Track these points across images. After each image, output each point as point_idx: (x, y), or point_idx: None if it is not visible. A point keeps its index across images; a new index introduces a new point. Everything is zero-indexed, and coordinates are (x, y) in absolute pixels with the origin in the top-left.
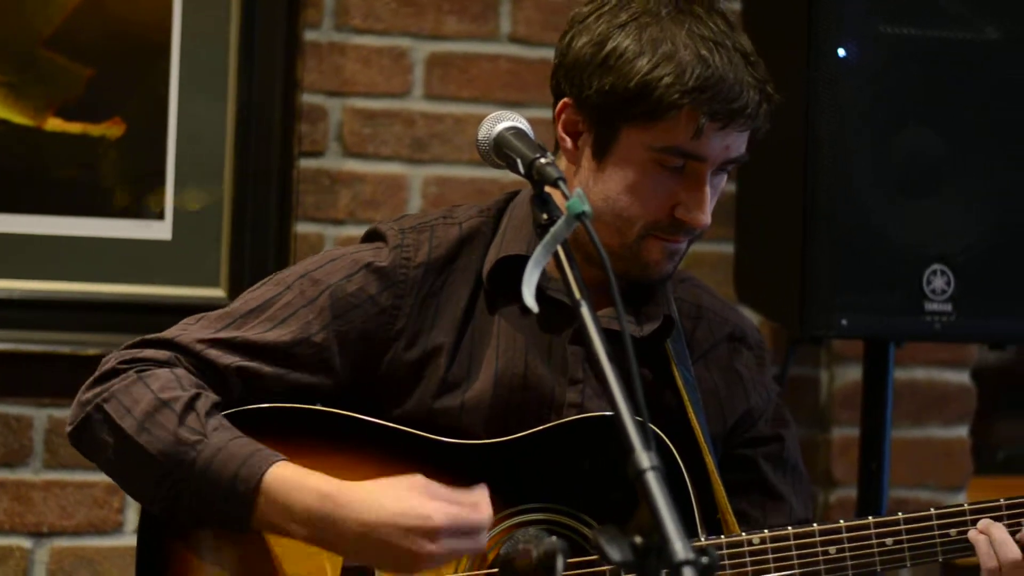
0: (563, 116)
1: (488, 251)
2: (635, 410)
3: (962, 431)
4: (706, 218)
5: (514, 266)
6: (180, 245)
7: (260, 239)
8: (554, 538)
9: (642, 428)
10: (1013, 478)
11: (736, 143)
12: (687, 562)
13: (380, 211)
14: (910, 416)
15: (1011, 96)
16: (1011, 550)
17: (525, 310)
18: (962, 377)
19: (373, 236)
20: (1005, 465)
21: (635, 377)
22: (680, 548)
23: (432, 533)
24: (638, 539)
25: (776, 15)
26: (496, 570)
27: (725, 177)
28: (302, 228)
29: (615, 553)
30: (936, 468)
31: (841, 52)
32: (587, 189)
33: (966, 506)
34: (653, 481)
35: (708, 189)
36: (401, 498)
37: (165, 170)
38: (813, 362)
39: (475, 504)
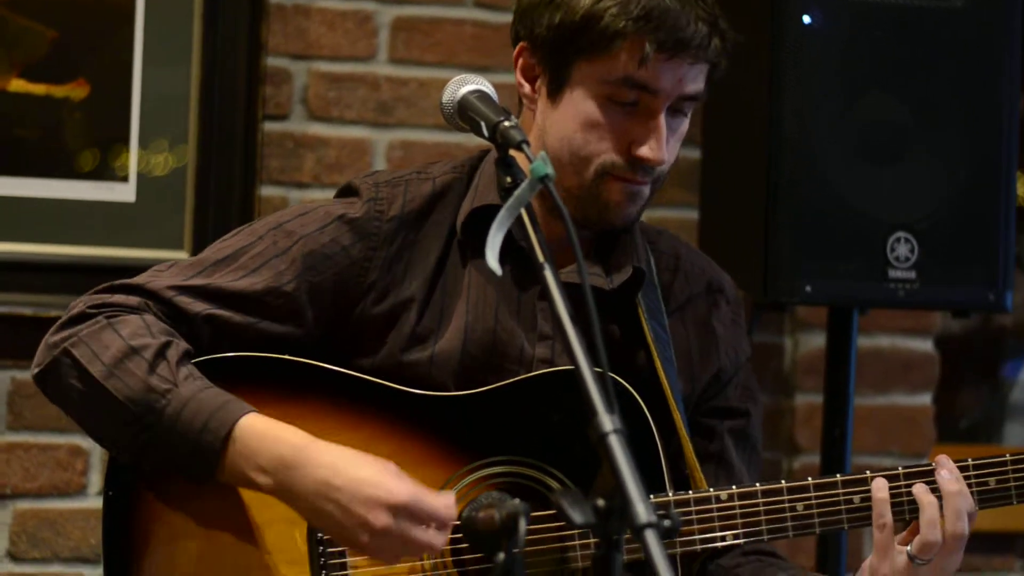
0: (520, 61)
1: (462, 205)
2: (599, 370)
3: (925, 399)
4: (663, 154)
5: (487, 216)
6: (144, 207)
7: (224, 202)
8: (517, 500)
9: (605, 389)
10: (975, 446)
11: (689, 77)
12: (649, 525)
13: (345, 175)
14: (874, 383)
15: (974, 63)
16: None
17: None
18: (926, 345)
19: (347, 191)
20: (968, 433)
21: (597, 336)
22: (642, 511)
23: (391, 507)
24: (600, 501)
25: None
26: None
27: (686, 122)
28: (266, 191)
29: (577, 516)
30: (899, 435)
31: (806, 19)
32: (544, 130)
33: (934, 466)
34: (616, 444)
35: (663, 124)
36: (370, 469)
37: (129, 132)
38: (777, 329)
39: (442, 499)
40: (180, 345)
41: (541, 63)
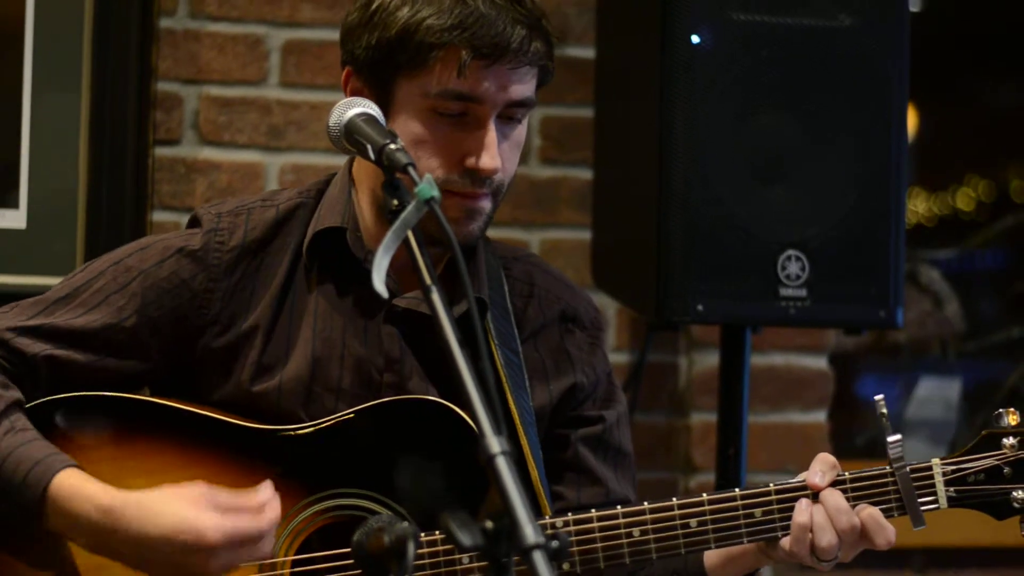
0: (348, 87)
1: (308, 228)
2: (485, 395)
3: (820, 416)
4: (495, 162)
5: (330, 239)
6: (35, 234)
7: (116, 228)
8: (406, 523)
9: (492, 412)
10: (873, 462)
11: (514, 83)
12: (537, 546)
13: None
14: (769, 401)
15: (863, 82)
16: (850, 518)
17: (341, 289)
18: (820, 362)
19: (192, 222)
20: (865, 449)
21: (485, 362)
22: (530, 532)
23: (208, 550)
24: (488, 523)
25: (631, 1)
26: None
27: (520, 128)
28: (158, 216)
29: (466, 538)
30: (795, 453)
31: (695, 39)
32: None
33: (772, 486)
34: (503, 466)
35: (492, 132)
36: (178, 513)
37: (20, 159)
38: (672, 348)
39: (258, 509)
40: (7, 397)
41: (367, 85)
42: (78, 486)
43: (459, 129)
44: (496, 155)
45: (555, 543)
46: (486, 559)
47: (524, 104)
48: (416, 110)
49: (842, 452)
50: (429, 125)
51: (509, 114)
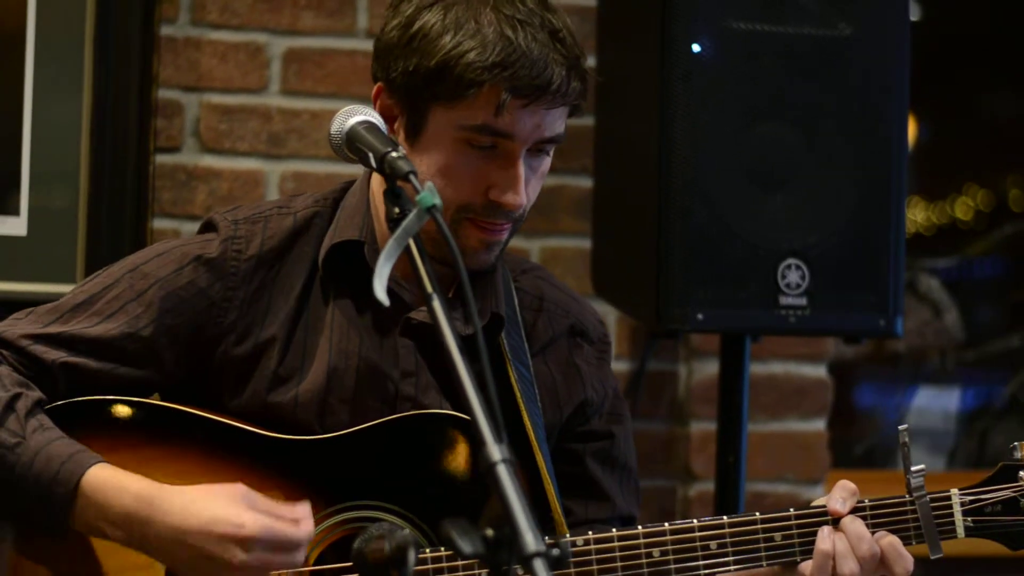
0: (378, 101)
1: (324, 239)
2: (487, 404)
3: (820, 424)
4: (521, 199)
5: (347, 252)
6: (36, 241)
7: (116, 235)
8: (407, 531)
9: (494, 419)
10: (871, 471)
11: (548, 121)
12: (538, 554)
13: None
14: (768, 410)
15: (863, 91)
16: (871, 546)
17: (358, 301)
18: (819, 371)
19: (207, 227)
20: (864, 458)
21: (487, 372)
22: (531, 540)
23: (244, 542)
24: (489, 532)
25: (631, 10)
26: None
27: (547, 160)
28: (159, 224)
29: (466, 546)
30: (794, 461)
31: (695, 47)
32: None
33: (791, 511)
34: (504, 474)
35: (521, 168)
36: (217, 506)
37: (21, 166)
38: (671, 357)
39: (295, 520)
40: (31, 396)
41: (399, 105)
42: (114, 477)
43: (488, 161)
44: (523, 191)
45: (555, 551)
46: (487, 567)
47: (555, 140)
48: (448, 139)
49: (841, 461)
50: (458, 155)
51: (538, 147)
